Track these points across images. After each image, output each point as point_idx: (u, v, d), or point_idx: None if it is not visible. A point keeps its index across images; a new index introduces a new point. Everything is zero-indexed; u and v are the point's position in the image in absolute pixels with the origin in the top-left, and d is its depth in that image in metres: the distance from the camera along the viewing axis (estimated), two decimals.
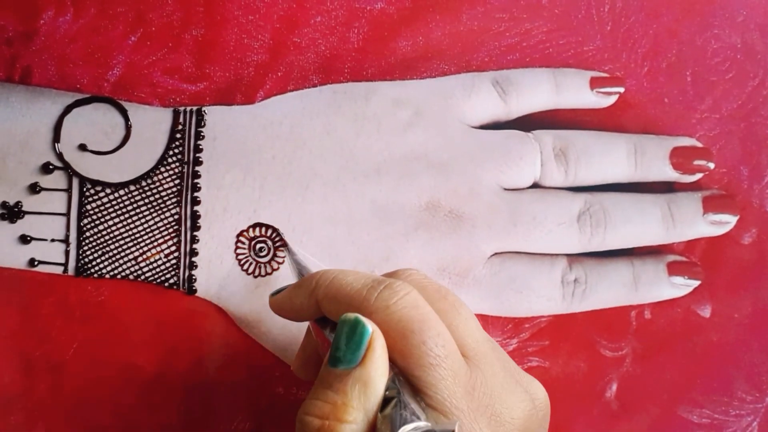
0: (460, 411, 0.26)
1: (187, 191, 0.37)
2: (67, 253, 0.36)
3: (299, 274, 0.34)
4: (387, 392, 0.26)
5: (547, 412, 0.30)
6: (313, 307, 0.29)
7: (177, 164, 0.37)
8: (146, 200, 0.37)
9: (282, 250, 0.37)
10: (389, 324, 0.26)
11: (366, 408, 0.25)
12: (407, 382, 0.26)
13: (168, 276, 0.37)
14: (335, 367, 0.26)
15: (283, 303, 0.31)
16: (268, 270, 0.37)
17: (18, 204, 0.36)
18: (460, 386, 0.26)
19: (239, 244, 0.37)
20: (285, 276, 0.37)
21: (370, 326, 0.26)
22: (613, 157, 0.39)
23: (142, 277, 0.37)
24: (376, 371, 0.25)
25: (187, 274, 0.37)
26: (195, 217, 0.37)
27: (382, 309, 0.26)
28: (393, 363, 0.26)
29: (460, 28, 0.39)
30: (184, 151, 0.37)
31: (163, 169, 0.37)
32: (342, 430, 0.25)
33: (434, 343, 0.26)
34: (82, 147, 0.36)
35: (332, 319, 0.29)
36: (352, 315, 0.26)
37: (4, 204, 0.36)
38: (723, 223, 0.39)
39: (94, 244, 0.36)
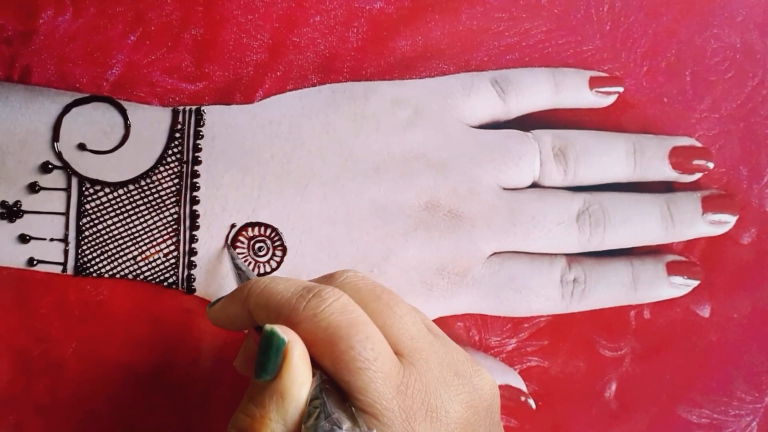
0: (391, 411, 0.26)
1: (186, 190, 0.37)
2: (66, 252, 0.36)
3: (239, 278, 0.34)
4: (312, 402, 0.25)
5: (493, 402, 0.29)
6: (247, 317, 0.29)
7: (176, 163, 0.37)
8: (145, 200, 0.37)
9: (279, 249, 0.37)
10: (317, 332, 0.26)
11: (285, 419, 0.25)
12: (338, 389, 0.26)
13: (167, 275, 0.37)
14: (258, 378, 0.26)
15: (218, 314, 0.31)
16: (267, 269, 0.37)
17: (17, 203, 0.36)
18: (391, 387, 0.26)
19: (238, 244, 0.37)
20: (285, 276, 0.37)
21: (286, 336, 0.26)
22: (613, 156, 0.39)
23: (141, 277, 0.37)
24: (293, 382, 0.25)
25: (186, 273, 0.37)
26: (194, 216, 0.37)
27: (310, 317, 0.26)
28: (324, 370, 0.26)
29: (460, 27, 0.39)
30: (183, 150, 0.37)
31: (162, 169, 0.37)
32: None
33: (362, 346, 0.26)
34: (81, 146, 0.36)
35: None
36: (268, 327, 0.26)
37: (4, 203, 0.36)
38: (722, 222, 0.39)
39: (93, 243, 0.36)
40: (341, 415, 0.25)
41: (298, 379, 0.26)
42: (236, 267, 0.35)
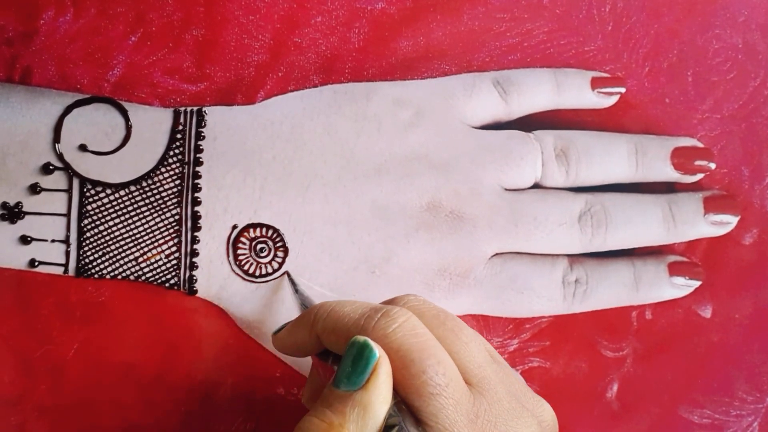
0: None
1: (187, 192, 0.37)
2: (67, 253, 0.36)
3: (302, 306, 0.34)
4: (389, 420, 0.25)
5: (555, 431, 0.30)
6: (314, 341, 0.29)
7: (177, 164, 0.37)
8: (147, 201, 0.37)
9: (281, 250, 0.37)
10: (388, 352, 0.26)
11: None
12: (409, 412, 0.26)
13: (168, 276, 0.37)
14: (338, 388, 0.26)
15: (285, 340, 0.31)
16: (269, 270, 0.37)
17: (18, 204, 0.36)
18: (462, 415, 0.26)
19: (240, 245, 0.37)
20: (286, 277, 0.37)
21: (378, 351, 0.26)
22: (614, 157, 0.39)
23: (143, 278, 0.37)
24: (378, 396, 0.25)
25: (187, 274, 0.37)
26: (195, 217, 0.37)
27: (381, 338, 0.26)
28: (395, 391, 0.26)
29: (461, 28, 0.39)
30: (184, 151, 0.37)
31: (163, 170, 0.37)
32: None
33: (434, 371, 0.26)
34: (83, 147, 0.36)
35: (334, 351, 0.29)
36: (361, 338, 0.26)
37: (5, 204, 0.36)
38: (724, 223, 0.39)
39: (94, 244, 0.36)
40: None
41: (383, 395, 0.25)
42: (297, 293, 0.35)
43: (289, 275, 0.36)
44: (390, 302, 0.30)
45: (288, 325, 0.31)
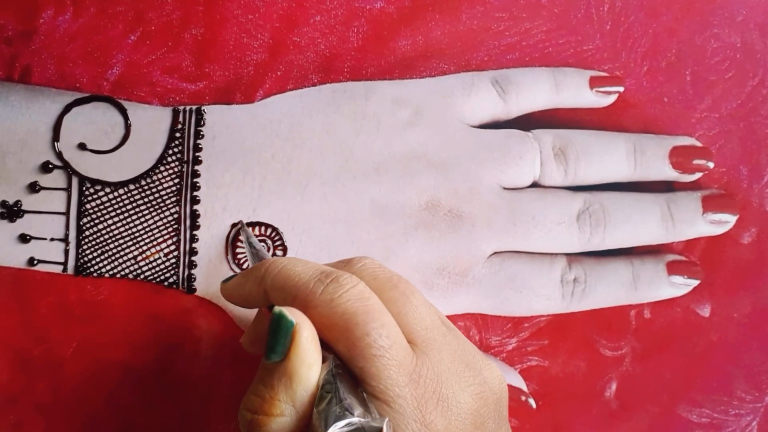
0: (403, 399, 0.26)
1: (186, 190, 0.37)
2: (66, 252, 0.36)
3: (254, 257, 0.34)
4: (325, 387, 0.26)
5: (502, 395, 0.30)
6: (261, 296, 0.29)
7: (176, 163, 0.37)
8: (146, 199, 0.37)
9: (280, 249, 0.37)
10: (333, 317, 0.26)
11: (294, 401, 0.25)
12: (352, 375, 0.26)
13: (167, 275, 0.37)
14: (267, 360, 0.26)
15: (232, 290, 0.31)
16: None
17: (17, 203, 0.36)
18: (404, 375, 0.26)
19: (238, 243, 0.37)
20: None
21: (295, 318, 0.26)
22: (613, 156, 0.39)
23: (142, 277, 0.37)
24: (302, 363, 0.26)
25: (186, 273, 0.37)
26: (194, 216, 0.37)
27: (327, 302, 0.27)
28: (337, 356, 0.27)
29: (460, 27, 0.39)
30: (183, 150, 0.37)
31: (162, 168, 0.37)
32: (269, 423, 0.25)
33: (378, 334, 0.26)
34: (82, 146, 0.36)
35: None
36: (277, 309, 0.26)
37: (4, 203, 0.36)
38: (722, 222, 0.39)
39: (93, 243, 0.36)
40: (353, 400, 0.25)
41: (306, 360, 0.26)
42: (250, 245, 0.35)
43: (243, 225, 0.36)
44: (345, 263, 0.30)
45: (238, 275, 0.31)
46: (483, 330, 0.39)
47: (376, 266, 0.30)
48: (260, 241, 0.37)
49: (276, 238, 0.37)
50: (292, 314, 0.26)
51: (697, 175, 0.39)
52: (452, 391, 0.27)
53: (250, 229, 0.36)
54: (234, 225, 0.37)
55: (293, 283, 0.28)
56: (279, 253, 0.37)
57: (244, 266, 0.37)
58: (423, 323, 0.28)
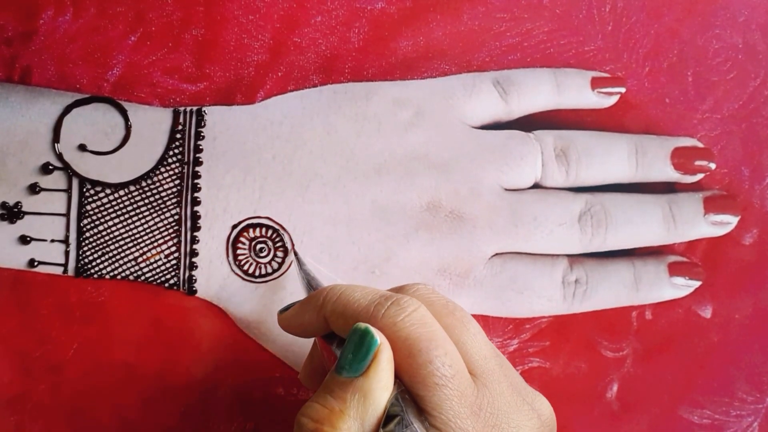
0: None
1: (187, 191, 0.37)
2: (66, 253, 0.36)
3: (308, 285, 0.34)
4: (391, 409, 0.25)
5: (554, 427, 0.30)
6: (321, 324, 0.29)
7: (177, 164, 0.37)
8: (146, 201, 0.37)
9: (281, 251, 0.37)
10: (396, 341, 0.26)
11: (363, 419, 0.25)
12: (412, 401, 0.26)
13: (168, 276, 0.37)
14: (339, 374, 0.26)
15: (291, 320, 0.31)
16: (269, 270, 0.37)
17: (18, 204, 0.36)
18: (465, 406, 0.26)
19: (239, 245, 0.37)
20: (286, 276, 0.37)
21: (379, 338, 0.26)
22: (614, 157, 0.39)
23: (142, 278, 0.37)
24: (378, 383, 0.25)
25: (187, 274, 0.37)
26: (195, 217, 0.37)
27: (389, 326, 0.26)
28: (399, 380, 0.26)
29: (461, 28, 0.39)
30: (184, 151, 0.37)
31: (163, 170, 0.37)
32: None
33: (441, 362, 0.26)
34: (82, 147, 0.36)
35: (340, 335, 0.29)
36: (362, 325, 0.26)
37: (4, 204, 0.36)
38: (724, 223, 0.39)
39: (94, 244, 0.36)
40: (420, 426, 0.25)
41: (383, 381, 0.26)
42: (304, 272, 0.35)
43: (295, 252, 0.36)
44: (399, 290, 0.30)
45: (296, 304, 0.31)
46: (484, 331, 0.39)
47: (430, 291, 0.29)
48: (261, 242, 0.37)
49: (277, 239, 0.37)
50: (377, 333, 0.26)
51: (699, 176, 0.39)
52: (513, 425, 0.27)
53: (295, 250, 0.37)
54: (234, 225, 0.37)
55: (353, 308, 0.27)
56: (279, 254, 0.37)
57: (245, 268, 0.37)
58: (482, 353, 0.28)
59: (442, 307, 0.29)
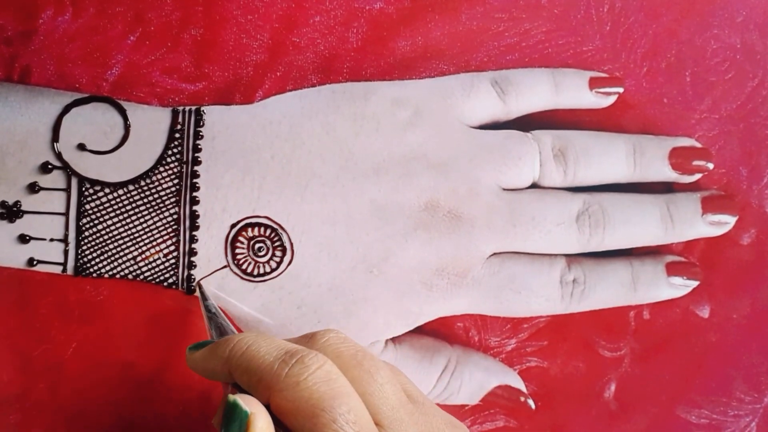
0: None
1: (186, 191, 0.37)
2: (66, 252, 0.36)
3: (209, 322, 0.34)
4: None
5: None
6: (226, 374, 0.29)
7: (176, 164, 0.37)
8: (145, 200, 0.37)
9: (279, 250, 0.37)
10: (300, 402, 0.26)
11: None
12: None
13: (167, 276, 0.37)
14: None
15: (199, 364, 0.30)
16: (267, 269, 0.37)
17: (17, 203, 0.36)
18: None
19: (238, 244, 0.37)
20: (284, 276, 0.37)
21: (248, 408, 0.25)
22: (613, 157, 0.39)
23: (141, 277, 0.37)
24: None
25: (186, 273, 0.37)
26: (194, 216, 0.37)
27: (292, 386, 0.26)
28: None
29: (459, 28, 0.39)
30: (183, 150, 0.37)
31: (162, 169, 0.37)
32: None
33: (344, 420, 0.25)
34: (81, 146, 0.36)
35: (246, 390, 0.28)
36: (231, 397, 0.26)
37: (3, 203, 0.36)
38: (722, 223, 0.39)
39: (93, 243, 0.36)
40: None
41: None
42: (207, 309, 0.35)
43: (200, 286, 0.36)
44: (309, 338, 0.29)
45: (203, 349, 0.30)
46: (482, 331, 0.39)
47: (340, 341, 0.29)
48: (260, 241, 0.37)
49: (275, 238, 0.37)
50: (247, 404, 0.25)
51: (697, 176, 0.39)
52: None
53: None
54: (233, 224, 0.37)
55: (257, 365, 0.27)
56: (278, 253, 0.37)
57: (244, 267, 0.37)
58: (389, 402, 0.28)
59: (350, 358, 0.28)
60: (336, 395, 0.26)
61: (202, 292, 0.36)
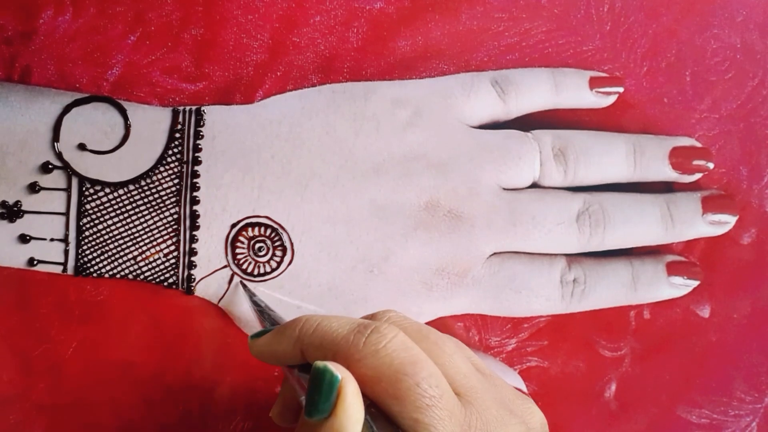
0: None
1: (186, 191, 0.37)
2: (66, 252, 0.36)
3: (259, 314, 0.34)
4: None
5: None
6: (297, 355, 0.28)
7: (176, 164, 0.37)
8: (145, 200, 0.37)
9: (279, 250, 0.37)
10: (381, 368, 0.26)
11: None
12: (383, 415, 0.26)
13: (167, 275, 0.37)
14: (309, 417, 0.25)
15: (264, 349, 0.30)
16: (267, 269, 0.37)
17: (17, 203, 0.36)
18: (456, 425, 0.26)
19: (238, 244, 0.37)
20: (284, 276, 0.37)
21: (340, 373, 0.25)
22: (613, 157, 0.39)
23: (141, 277, 0.37)
24: (348, 420, 0.25)
25: (186, 273, 0.37)
26: (194, 216, 0.37)
27: (372, 354, 0.26)
28: (388, 408, 0.26)
29: (460, 27, 0.39)
30: (183, 150, 0.37)
31: (162, 169, 0.37)
32: None
33: (428, 384, 0.26)
34: (82, 146, 0.36)
35: None
36: (321, 363, 0.25)
37: (4, 203, 0.36)
38: (722, 223, 0.39)
39: (93, 243, 0.36)
40: None
41: (353, 417, 0.25)
42: (256, 304, 0.35)
43: (243, 284, 0.36)
44: (371, 317, 0.29)
45: (268, 333, 0.30)
46: (482, 330, 0.39)
47: (402, 318, 0.29)
48: (260, 241, 0.37)
49: (276, 238, 0.37)
50: (337, 369, 0.25)
51: (697, 176, 0.39)
52: None
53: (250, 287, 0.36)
54: (234, 223, 0.37)
55: (332, 339, 0.27)
56: (278, 253, 0.37)
57: (244, 267, 0.37)
58: (461, 372, 0.28)
59: (416, 332, 0.28)
60: (416, 361, 0.26)
61: (247, 290, 0.36)
